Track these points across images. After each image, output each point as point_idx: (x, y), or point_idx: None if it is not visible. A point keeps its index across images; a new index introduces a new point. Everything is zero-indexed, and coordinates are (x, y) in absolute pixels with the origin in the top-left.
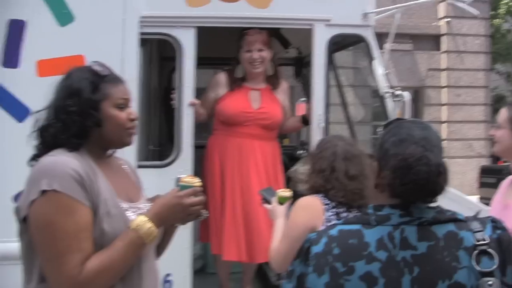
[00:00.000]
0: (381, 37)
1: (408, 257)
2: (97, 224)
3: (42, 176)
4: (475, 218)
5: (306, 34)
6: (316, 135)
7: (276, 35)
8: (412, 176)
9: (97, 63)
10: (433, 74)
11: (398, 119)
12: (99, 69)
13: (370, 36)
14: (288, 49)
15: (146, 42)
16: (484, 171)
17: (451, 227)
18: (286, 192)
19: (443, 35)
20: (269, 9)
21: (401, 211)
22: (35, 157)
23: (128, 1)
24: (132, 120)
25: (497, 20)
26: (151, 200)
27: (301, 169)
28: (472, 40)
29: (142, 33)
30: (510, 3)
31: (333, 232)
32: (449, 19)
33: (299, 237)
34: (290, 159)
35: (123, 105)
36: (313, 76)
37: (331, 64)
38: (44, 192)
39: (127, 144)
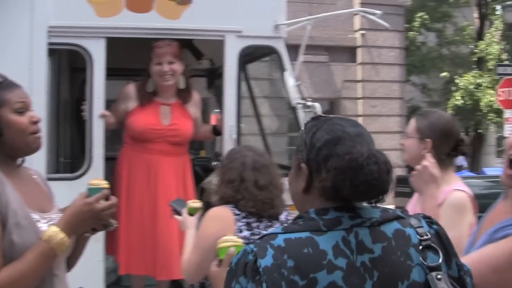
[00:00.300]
0: (296, 49)
1: (367, 261)
2: (6, 236)
3: None
4: (408, 215)
5: (218, 45)
6: (228, 146)
7: (188, 47)
8: (364, 177)
9: None
10: (348, 86)
11: (319, 116)
12: None
13: (281, 48)
14: (200, 60)
15: (55, 52)
16: (399, 181)
17: (396, 225)
18: (196, 203)
19: (358, 47)
20: (180, 20)
21: (349, 213)
22: None
23: (36, 11)
24: (34, 123)
25: (412, 32)
26: (64, 210)
27: (215, 180)
28: (387, 52)
29: (51, 43)
30: (425, 16)
31: (278, 242)
32: (364, 32)
33: (210, 247)
34: (205, 171)
35: (22, 109)
36: (224, 87)
37: (244, 75)
38: None
39: (35, 148)
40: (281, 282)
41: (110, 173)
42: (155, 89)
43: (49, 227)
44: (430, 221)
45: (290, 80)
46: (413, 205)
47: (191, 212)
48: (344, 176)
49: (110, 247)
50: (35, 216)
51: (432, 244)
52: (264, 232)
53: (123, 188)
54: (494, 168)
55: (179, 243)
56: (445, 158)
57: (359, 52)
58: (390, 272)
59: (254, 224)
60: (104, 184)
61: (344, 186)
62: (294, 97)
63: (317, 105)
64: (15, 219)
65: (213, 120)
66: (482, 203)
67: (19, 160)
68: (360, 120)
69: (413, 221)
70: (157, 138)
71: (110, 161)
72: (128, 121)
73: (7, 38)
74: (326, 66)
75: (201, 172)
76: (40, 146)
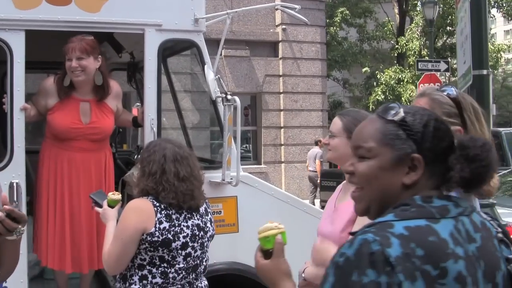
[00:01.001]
0: (218, 43)
1: (474, 250)
2: None
3: None
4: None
5: (139, 39)
6: (149, 139)
7: (109, 40)
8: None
9: None
10: (270, 80)
11: (412, 107)
12: None
13: (201, 41)
14: (121, 54)
15: None
16: (324, 175)
17: (478, 216)
18: (116, 195)
19: (279, 41)
20: (100, 14)
21: (452, 202)
22: None
23: None
24: None
25: (333, 28)
26: None
27: (136, 173)
28: (308, 47)
29: None
30: (346, 12)
31: (398, 230)
32: (285, 26)
33: (131, 239)
34: (127, 164)
35: None
36: (145, 80)
37: (165, 69)
38: None
39: None
40: (416, 273)
41: (33, 166)
42: (72, 84)
43: None
44: (491, 216)
45: (210, 74)
46: (334, 199)
47: (111, 204)
48: (488, 168)
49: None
50: None
51: (504, 238)
52: (185, 224)
53: (44, 182)
54: None
55: (101, 236)
56: None
57: (280, 46)
58: (490, 262)
59: (174, 216)
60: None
61: (486, 177)
62: (214, 90)
63: (236, 98)
64: None
65: (134, 113)
66: None
67: None
68: (281, 114)
69: (483, 214)
70: (77, 137)
71: (34, 154)
72: (48, 119)
73: None
74: (248, 60)
75: (123, 165)
76: None
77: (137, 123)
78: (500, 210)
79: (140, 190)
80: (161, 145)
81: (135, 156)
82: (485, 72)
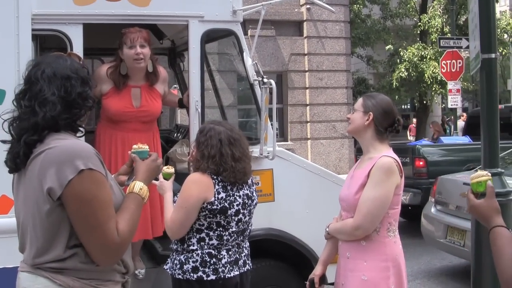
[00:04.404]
0: (244, 24)
1: None
2: None
3: (74, 158)
4: None
5: (180, 28)
6: (194, 119)
7: (151, 28)
8: None
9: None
10: (295, 59)
11: None
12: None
13: (239, 31)
14: (162, 40)
15: (35, 37)
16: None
17: None
18: (170, 169)
19: (304, 21)
20: (149, 7)
21: None
22: (35, 142)
23: (20, 1)
24: None
25: (357, 5)
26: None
27: (179, 150)
28: (333, 26)
29: (34, 29)
30: None
31: None
32: (309, 6)
33: (194, 207)
34: (166, 142)
35: None
36: (189, 67)
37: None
38: (81, 171)
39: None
40: None
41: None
42: (126, 72)
43: (134, 183)
44: None
45: (248, 60)
46: (353, 168)
47: (166, 177)
48: None
49: None
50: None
51: None
52: (237, 193)
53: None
54: (450, 137)
55: (153, 207)
56: (383, 131)
57: (305, 26)
58: None
59: (229, 187)
60: (147, 147)
61: None
62: (252, 75)
63: (272, 81)
64: (109, 182)
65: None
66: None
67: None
68: (307, 92)
69: None
70: (129, 119)
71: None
72: (104, 103)
73: None
74: (273, 40)
75: (163, 143)
76: None
77: (183, 104)
78: (509, 181)
79: (202, 169)
80: (215, 130)
81: (175, 135)
82: (493, 55)
